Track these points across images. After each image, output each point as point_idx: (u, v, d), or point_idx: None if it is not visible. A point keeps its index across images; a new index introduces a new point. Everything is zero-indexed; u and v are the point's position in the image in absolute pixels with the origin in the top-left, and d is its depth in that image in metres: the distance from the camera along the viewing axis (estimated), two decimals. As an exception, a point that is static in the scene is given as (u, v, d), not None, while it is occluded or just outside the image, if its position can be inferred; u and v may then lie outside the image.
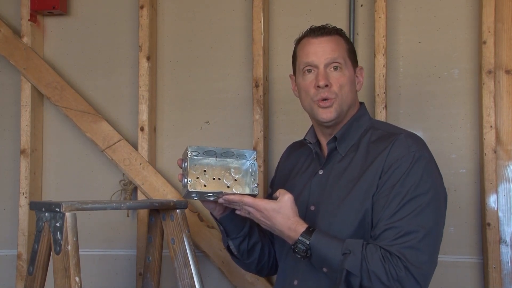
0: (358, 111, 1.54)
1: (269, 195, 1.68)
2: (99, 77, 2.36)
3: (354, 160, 1.48)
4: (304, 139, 1.61)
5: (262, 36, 2.14)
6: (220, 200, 1.44)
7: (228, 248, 1.64)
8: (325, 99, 1.47)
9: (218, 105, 2.27)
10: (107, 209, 1.59)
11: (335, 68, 1.46)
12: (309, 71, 1.49)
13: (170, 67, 2.31)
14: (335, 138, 1.52)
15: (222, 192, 1.45)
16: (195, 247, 2.04)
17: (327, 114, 1.48)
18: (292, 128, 2.19)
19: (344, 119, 1.52)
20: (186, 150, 1.47)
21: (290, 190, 1.50)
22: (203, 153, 1.47)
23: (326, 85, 1.47)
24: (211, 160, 1.47)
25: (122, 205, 1.63)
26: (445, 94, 2.06)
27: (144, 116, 2.24)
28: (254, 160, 1.50)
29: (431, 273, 1.38)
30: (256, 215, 1.42)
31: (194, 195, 1.47)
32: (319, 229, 1.41)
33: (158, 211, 1.80)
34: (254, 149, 2.14)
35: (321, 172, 1.53)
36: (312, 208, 1.51)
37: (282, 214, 1.40)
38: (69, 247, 1.49)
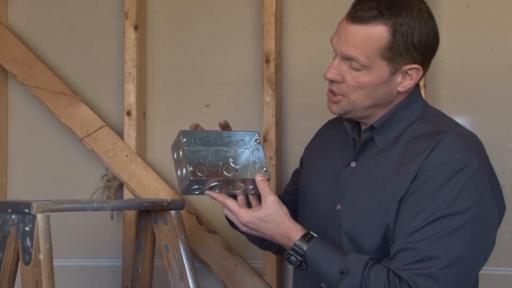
0: (408, 97, 1.52)
1: (298, 174, 1.74)
2: (76, 50, 2.35)
3: (391, 156, 1.48)
4: (341, 119, 1.59)
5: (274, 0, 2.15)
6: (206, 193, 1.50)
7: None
8: (334, 93, 1.50)
9: (220, 85, 2.26)
10: (87, 210, 1.60)
11: (354, 67, 1.45)
12: (334, 51, 1.50)
13: (162, 38, 2.31)
14: (372, 127, 1.51)
15: (230, 178, 1.47)
16: (194, 256, 2.06)
17: (332, 108, 1.51)
18: (310, 112, 2.18)
19: (383, 107, 1.51)
20: (179, 136, 1.49)
21: (317, 179, 1.54)
22: (196, 142, 1.49)
23: (333, 81, 1.48)
24: (204, 151, 1.50)
25: (105, 205, 1.63)
26: (498, 70, 2.04)
27: (131, 98, 2.25)
28: (257, 142, 1.53)
29: None
30: (239, 226, 1.48)
31: (196, 187, 1.47)
32: (318, 238, 1.43)
33: (149, 212, 1.81)
34: (264, 137, 2.15)
35: (353, 165, 1.54)
36: (339, 207, 1.52)
37: (269, 222, 1.45)
38: (41, 256, 1.49)
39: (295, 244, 1.42)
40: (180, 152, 1.49)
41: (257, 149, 1.54)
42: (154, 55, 2.31)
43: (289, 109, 2.21)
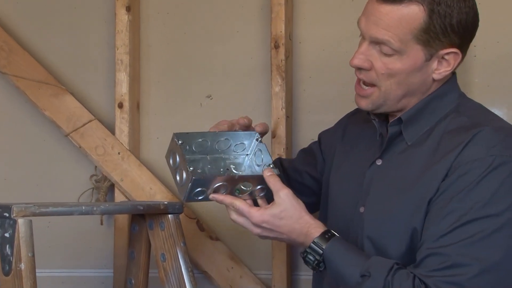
0: (442, 86, 1.52)
1: (311, 153, 1.79)
2: (62, 35, 2.35)
3: (421, 153, 1.48)
4: (368, 112, 1.58)
5: (285, -23, 2.15)
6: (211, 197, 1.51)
7: None
8: (364, 83, 1.50)
9: (224, 74, 2.26)
10: (73, 214, 1.59)
11: (384, 53, 1.46)
12: (361, 35, 1.51)
13: (158, 21, 2.30)
14: (400, 120, 1.52)
15: (237, 175, 1.49)
16: (193, 265, 2.05)
17: (361, 103, 1.52)
18: (325, 104, 2.17)
19: (417, 98, 1.52)
20: (173, 139, 1.52)
21: (339, 179, 1.57)
22: (192, 148, 1.53)
23: (360, 68, 1.49)
24: (202, 160, 1.54)
25: (95, 208, 1.64)
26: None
27: (123, 88, 2.25)
28: (258, 141, 1.56)
29: None
30: (251, 229, 1.47)
31: (200, 189, 1.47)
32: (338, 237, 1.45)
33: (144, 216, 1.81)
34: (273, 133, 2.14)
35: (379, 163, 1.54)
36: (362, 209, 1.53)
37: (285, 218, 1.45)
38: (23, 266, 1.48)
39: (313, 242, 1.43)
40: (177, 156, 1.51)
41: (260, 149, 1.56)
42: (149, 40, 2.30)
43: (301, 100, 2.20)
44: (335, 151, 1.72)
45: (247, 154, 1.58)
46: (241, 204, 1.47)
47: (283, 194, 1.45)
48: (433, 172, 1.42)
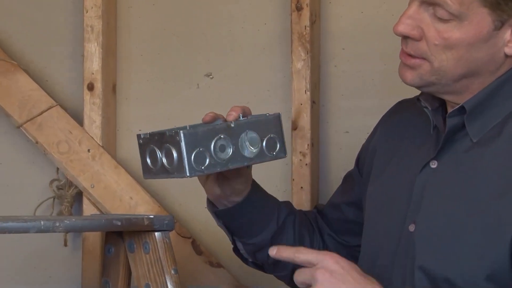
0: None
1: (352, 179, 1.81)
2: (13, -4, 2.34)
3: (493, 154, 1.48)
4: (418, 98, 1.59)
5: None
6: (271, 254, 1.49)
7: (236, 249, 1.74)
8: (409, 55, 1.52)
9: (228, 45, 2.25)
10: (29, 232, 1.59)
11: (439, 17, 1.47)
12: None
13: None
14: (462, 109, 1.51)
15: (233, 122, 1.55)
16: None
17: (406, 75, 1.53)
18: (364, 85, 2.16)
19: (483, 79, 1.51)
20: (139, 140, 1.59)
21: (382, 188, 1.61)
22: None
23: (407, 37, 1.51)
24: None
25: (57, 224, 1.63)
26: None
27: (94, 65, 2.26)
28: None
29: None
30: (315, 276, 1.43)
31: (199, 151, 1.51)
32: None
33: (122, 235, 1.81)
34: (294, 124, 2.13)
35: (433, 166, 1.54)
36: (412, 228, 1.52)
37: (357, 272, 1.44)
38: None
39: None
40: (174, 152, 1.53)
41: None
42: (128, 1, 2.30)
43: (332, 81, 2.20)
44: (375, 155, 1.73)
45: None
46: (310, 254, 1.44)
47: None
48: None
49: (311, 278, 1.41)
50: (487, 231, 1.43)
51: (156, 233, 1.76)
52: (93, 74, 2.24)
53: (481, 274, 1.42)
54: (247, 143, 1.57)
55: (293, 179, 2.10)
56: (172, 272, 1.75)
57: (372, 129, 1.82)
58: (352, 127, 2.09)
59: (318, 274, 1.40)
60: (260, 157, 1.58)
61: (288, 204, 1.83)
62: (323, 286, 1.40)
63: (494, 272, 1.41)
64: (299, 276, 1.44)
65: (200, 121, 1.63)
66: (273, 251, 1.46)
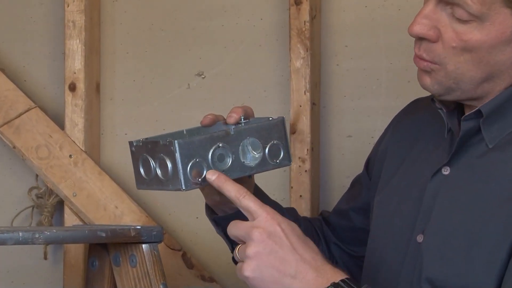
0: None
1: (355, 184, 1.80)
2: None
3: (508, 160, 1.48)
4: (432, 98, 1.56)
5: None
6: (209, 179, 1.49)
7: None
8: (421, 58, 1.51)
9: (221, 42, 2.24)
10: (6, 244, 1.58)
11: (457, 18, 1.46)
12: None
13: None
14: (479, 113, 1.49)
15: (232, 128, 1.51)
16: None
17: (424, 78, 1.52)
18: (369, 86, 2.15)
19: (504, 83, 1.50)
20: (131, 148, 1.54)
21: (390, 195, 1.60)
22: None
23: (422, 38, 1.49)
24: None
25: (37, 235, 1.61)
26: None
27: (76, 63, 2.24)
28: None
29: None
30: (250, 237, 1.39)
31: (195, 162, 1.48)
32: (368, 285, 1.42)
33: (106, 247, 1.80)
34: (293, 127, 2.12)
35: (446, 172, 1.52)
36: (420, 238, 1.51)
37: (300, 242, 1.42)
38: None
39: (343, 280, 1.37)
40: (169, 163, 1.48)
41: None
42: None
43: (334, 80, 2.18)
44: (386, 158, 1.72)
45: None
46: (247, 199, 1.41)
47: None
48: None
49: (246, 235, 1.39)
50: (499, 242, 1.42)
51: (143, 245, 1.74)
52: (75, 73, 2.22)
53: (491, 281, 1.41)
54: (248, 151, 1.54)
55: (292, 187, 2.09)
56: (161, 287, 1.74)
57: (377, 132, 1.83)
58: (355, 130, 2.09)
59: (255, 233, 1.37)
60: (262, 165, 1.54)
61: (292, 210, 1.82)
62: (257, 247, 1.37)
63: (502, 277, 1.40)
64: (234, 229, 1.42)
65: (193, 124, 1.61)
66: (213, 176, 1.45)
